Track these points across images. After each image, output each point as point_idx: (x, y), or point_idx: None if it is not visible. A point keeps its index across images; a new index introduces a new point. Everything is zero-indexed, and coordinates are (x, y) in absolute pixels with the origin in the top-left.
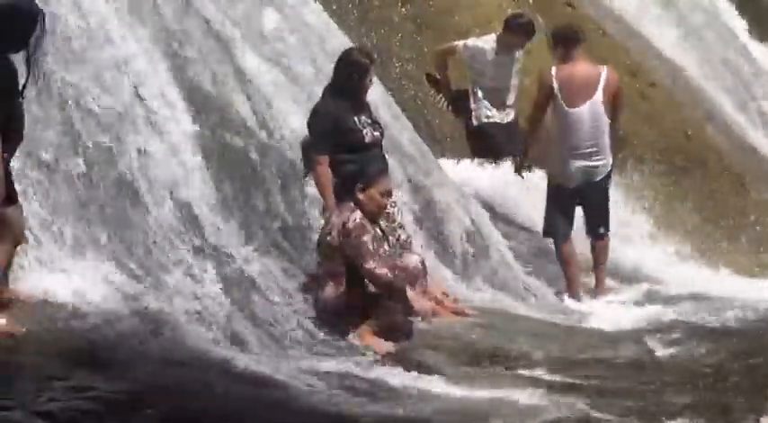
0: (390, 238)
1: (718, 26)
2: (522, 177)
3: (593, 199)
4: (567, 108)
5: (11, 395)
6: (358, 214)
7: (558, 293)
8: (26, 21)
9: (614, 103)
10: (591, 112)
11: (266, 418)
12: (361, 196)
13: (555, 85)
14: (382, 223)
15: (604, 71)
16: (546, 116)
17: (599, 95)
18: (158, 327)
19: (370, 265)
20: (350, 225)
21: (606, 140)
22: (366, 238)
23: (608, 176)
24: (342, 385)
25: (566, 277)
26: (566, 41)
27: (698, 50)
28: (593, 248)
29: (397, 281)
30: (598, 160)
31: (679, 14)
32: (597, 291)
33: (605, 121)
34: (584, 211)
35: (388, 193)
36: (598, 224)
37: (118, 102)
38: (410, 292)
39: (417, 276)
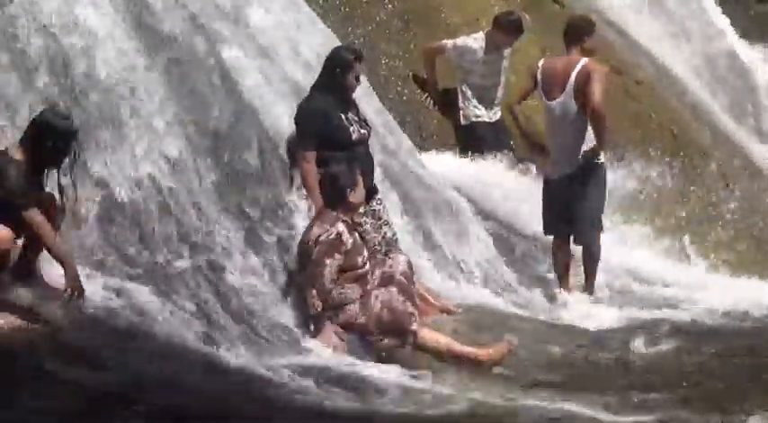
0: (376, 235)
1: (704, 24)
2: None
3: (573, 197)
4: (546, 100)
5: (2, 393)
6: (337, 229)
7: (545, 291)
8: (62, 140)
9: (585, 91)
10: (563, 104)
11: (252, 413)
12: (352, 199)
13: (538, 76)
14: (367, 220)
15: (580, 63)
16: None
17: (570, 88)
18: (145, 324)
19: (311, 294)
20: (323, 238)
21: (583, 134)
22: (329, 260)
23: (591, 175)
24: (327, 381)
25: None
26: (565, 34)
27: (684, 49)
28: (582, 251)
29: (320, 319)
30: (571, 153)
31: (666, 13)
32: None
33: (579, 114)
34: (569, 210)
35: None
36: (581, 227)
37: (102, 96)
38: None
39: (405, 283)
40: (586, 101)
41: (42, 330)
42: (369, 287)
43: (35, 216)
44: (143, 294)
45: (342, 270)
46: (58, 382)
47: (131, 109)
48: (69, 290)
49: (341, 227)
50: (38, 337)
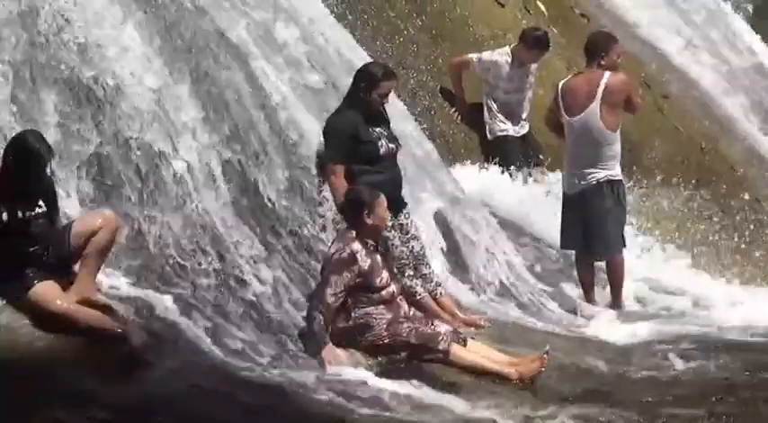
0: (403, 249)
1: (733, 40)
2: None
3: (593, 213)
4: (567, 117)
5: (22, 405)
6: (351, 248)
7: (571, 306)
8: (24, 157)
9: (626, 107)
10: (585, 121)
11: None
12: (369, 221)
13: (559, 94)
14: (395, 234)
15: (604, 78)
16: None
17: (596, 104)
18: (166, 335)
19: (312, 305)
20: (336, 257)
21: (603, 151)
22: (335, 277)
23: (610, 190)
24: (346, 393)
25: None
26: (586, 50)
27: (713, 63)
28: (606, 267)
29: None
30: (592, 169)
31: (694, 27)
32: (611, 307)
33: (602, 130)
34: (587, 226)
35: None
36: (601, 242)
37: (134, 111)
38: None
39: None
40: (631, 111)
41: (62, 342)
42: (400, 316)
43: None
44: (164, 306)
45: (362, 290)
46: (79, 395)
47: (159, 123)
48: None
49: (356, 246)
50: (58, 349)
